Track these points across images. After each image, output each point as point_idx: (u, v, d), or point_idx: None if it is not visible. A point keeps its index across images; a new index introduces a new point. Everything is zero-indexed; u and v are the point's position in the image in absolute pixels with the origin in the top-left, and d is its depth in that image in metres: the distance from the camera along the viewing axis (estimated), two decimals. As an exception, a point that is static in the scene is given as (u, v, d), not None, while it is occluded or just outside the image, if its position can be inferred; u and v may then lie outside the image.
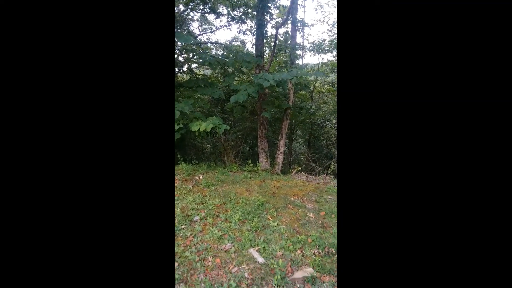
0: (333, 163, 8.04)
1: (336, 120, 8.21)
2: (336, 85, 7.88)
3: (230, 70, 5.74)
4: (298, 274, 2.06)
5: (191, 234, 2.61)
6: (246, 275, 2.06)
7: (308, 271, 2.09)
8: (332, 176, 5.41)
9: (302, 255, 2.30)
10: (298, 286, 1.97)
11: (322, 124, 8.55)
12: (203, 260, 2.23)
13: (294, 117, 6.37)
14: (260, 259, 2.24)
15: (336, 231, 2.71)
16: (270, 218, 2.94)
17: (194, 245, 2.45)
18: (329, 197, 3.60)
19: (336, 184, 4.34)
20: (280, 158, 5.40)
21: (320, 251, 2.34)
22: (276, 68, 6.77)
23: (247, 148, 8.80)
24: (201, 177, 4.13)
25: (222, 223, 2.82)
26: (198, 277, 2.04)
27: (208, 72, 7.97)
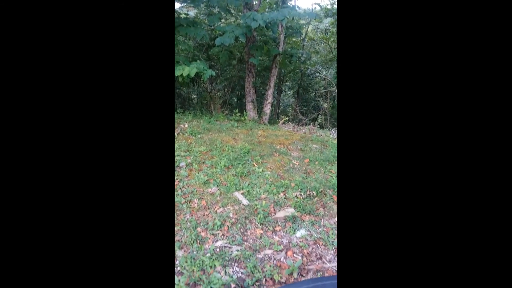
0: (320, 116, 8.06)
1: (326, 72, 7.98)
2: (329, 33, 7.43)
3: (216, 10, 5.21)
4: (280, 214, 2.17)
5: (176, 179, 2.64)
6: (231, 215, 2.16)
7: (290, 211, 2.20)
8: (318, 126, 5.45)
9: (285, 198, 2.41)
10: (280, 224, 2.09)
11: (312, 76, 8.31)
12: (189, 202, 2.30)
13: (283, 66, 6.10)
14: (245, 201, 2.33)
15: (318, 176, 2.81)
16: (255, 165, 2.99)
17: (180, 189, 2.49)
18: (314, 145, 3.66)
19: (321, 134, 4.39)
20: (267, 109, 5.32)
21: (302, 194, 2.45)
22: (266, 10, 6.20)
23: (235, 100, 8.59)
24: (186, 125, 4.05)
25: (208, 169, 2.86)
26: (184, 217, 2.12)
27: (192, 13, 7.24)
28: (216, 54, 5.55)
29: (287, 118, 5.67)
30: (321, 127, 5.60)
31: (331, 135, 4.27)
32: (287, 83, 8.99)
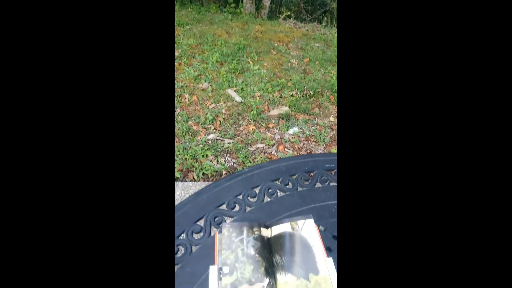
0: (326, 17, 7.11)
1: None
2: None
3: None
4: (274, 112, 2.11)
5: (164, 73, 2.44)
6: (223, 111, 2.09)
7: (284, 109, 2.13)
8: (322, 24, 4.85)
9: (280, 97, 2.30)
10: (273, 121, 2.06)
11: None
12: (179, 97, 2.18)
13: None
14: (238, 98, 2.23)
15: (317, 76, 2.64)
16: (250, 62, 2.75)
17: (169, 83, 2.33)
18: (316, 44, 3.31)
19: (326, 32, 3.93)
20: (267, 1, 4.57)
21: (298, 93, 2.34)
22: None
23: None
24: (172, 15, 3.51)
25: (199, 64, 2.62)
26: (175, 111, 2.04)
27: None
28: None
29: (288, 13, 4.97)
30: (325, 25, 4.99)
31: (336, 33, 3.82)
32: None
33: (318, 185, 0.67)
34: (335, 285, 0.47)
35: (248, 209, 0.61)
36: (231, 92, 2.29)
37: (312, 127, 2.04)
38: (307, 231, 0.53)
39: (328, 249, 0.54)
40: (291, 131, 1.99)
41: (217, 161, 1.68)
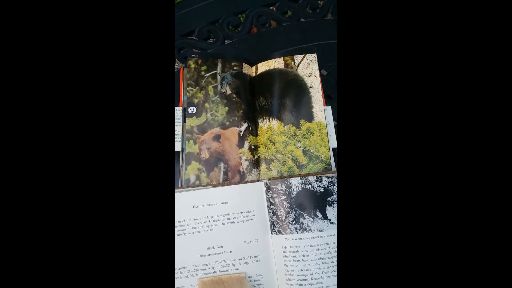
0: None
1: None
2: None
3: None
4: None
5: None
6: None
7: None
8: None
9: None
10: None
11: None
12: None
13: None
14: None
15: None
16: None
17: None
18: None
19: None
20: None
21: None
22: None
23: None
24: None
25: None
26: None
27: None
28: None
29: None
30: None
31: None
32: None
33: (329, 17, 0.48)
34: (332, 136, 0.37)
35: (227, 41, 0.44)
36: None
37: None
38: (306, 68, 0.39)
39: (328, 97, 0.41)
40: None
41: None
